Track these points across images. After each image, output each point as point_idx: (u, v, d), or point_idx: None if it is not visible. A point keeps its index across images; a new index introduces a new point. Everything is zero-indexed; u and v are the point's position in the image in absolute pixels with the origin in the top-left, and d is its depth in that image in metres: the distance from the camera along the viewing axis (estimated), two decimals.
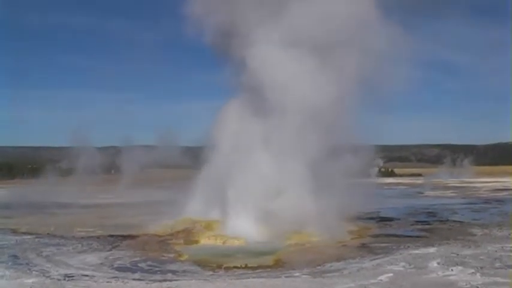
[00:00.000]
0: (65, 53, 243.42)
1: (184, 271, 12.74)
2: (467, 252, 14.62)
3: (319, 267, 12.92)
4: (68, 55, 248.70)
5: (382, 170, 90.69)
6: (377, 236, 18.45)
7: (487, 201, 34.13)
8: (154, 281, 11.46)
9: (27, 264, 13.40)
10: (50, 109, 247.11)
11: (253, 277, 11.89)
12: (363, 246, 16.26)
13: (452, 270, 12.26)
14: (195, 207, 20.58)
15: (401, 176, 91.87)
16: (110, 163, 56.87)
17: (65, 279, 11.57)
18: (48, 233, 19.16)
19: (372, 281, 11.21)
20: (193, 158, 24.12)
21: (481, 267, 12.42)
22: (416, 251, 14.89)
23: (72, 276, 11.87)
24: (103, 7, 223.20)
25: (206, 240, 17.18)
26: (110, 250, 15.66)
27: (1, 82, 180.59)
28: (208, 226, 18.65)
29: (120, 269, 12.99)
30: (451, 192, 44.40)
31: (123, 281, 11.39)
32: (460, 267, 12.48)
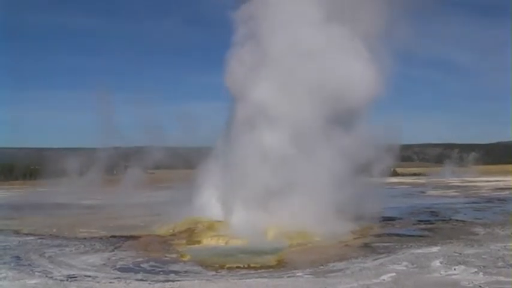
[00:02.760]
0: (69, 53, 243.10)
1: (186, 271, 12.75)
2: (470, 251, 14.61)
3: (321, 267, 12.92)
4: (71, 56, 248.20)
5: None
6: (379, 235, 18.44)
7: (489, 200, 34.07)
8: (157, 281, 11.48)
9: (29, 265, 13.43)
10: (53, 110, 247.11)
11: (256, 277, 11.90)
12: (366, 245, 16.25)
13: (455, 269, 12.25)
14: (197, 208, 20.58)
15: (403, 175, 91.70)
16: (113, 164, 56.84)
17: (67, 280, 11.60)
18: (50, 234, 19.19)
19: (375, 280, 11.22)
20: (197, 159, 24.12)
21: (484, 267, 12.42)
22: (419, 251, 14.89)
23: (75, 277, 11.90)
24: (106, 7, 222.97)
25: (208, 241, 17.16)
26: (113, 251, 15.68)
27: (3, 83, 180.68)
28: (211, 226, 18.65)
29: (122, 269, 13.01)
30: (454, 192, 44.31)
31: (125, 282, 11.40)
32: (462, 267, 12.48)
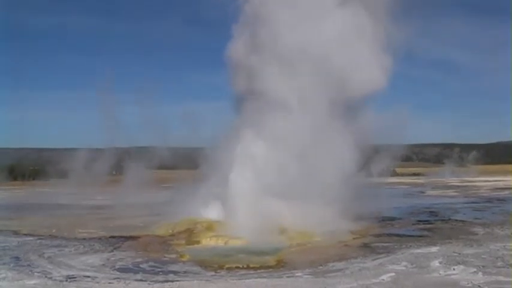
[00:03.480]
0: (68, 53, 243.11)
1: (186, 272, 12.74)
2: (469, 251, 14.61)
3: (321, 267, 12.92)
4: (70, 55, 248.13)
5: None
6: (379, 235, 18.43)
7: (488, 200, 34.10)
8: (156, 281, 11.47)
9: (29, 265, 13.42)
10: (52, 110, 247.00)
11: (255, 277, 11.89)
12: (365, 245, 16.25)
13: (454, 269, 12.26)
14: (196, 208, 20.56)
15: (403, 175, 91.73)
16: (112, 164, 56.84)
17: (67, 281, 11.59)
18: (50, 235, 19.16)
19: (374, 280, 11.22)
20: (196, 159, 24.11)
21: (483, 266, 12.42)
22: (418, 251, 14.89)
23: (74, 278, 11.89)
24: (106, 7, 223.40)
25: (208, 241, 17.14)
26: (112, 251, 15.66)
27: (3, 83, 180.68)
28: (210, 226, 18.64)
29: (122, 270, 13.00)
30: (453, 192, 44.34)
31: (125, 282, 11.39)
32: (462, 267, 12.48)
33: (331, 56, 19.49)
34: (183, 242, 17.29)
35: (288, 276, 11.88)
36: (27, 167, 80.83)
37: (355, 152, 20.18)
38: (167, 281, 11.47)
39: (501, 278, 11.21)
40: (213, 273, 12.59)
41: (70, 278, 11.83)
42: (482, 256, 13.77)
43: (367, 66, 19.79)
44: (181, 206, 21.04)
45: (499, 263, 12.82)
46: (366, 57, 19.86)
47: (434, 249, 15.09)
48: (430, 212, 26.66)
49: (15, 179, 72.29)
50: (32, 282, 11.50)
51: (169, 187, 36.02)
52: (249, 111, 20.27)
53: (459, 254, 14.16)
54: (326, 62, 19.51)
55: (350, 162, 19.93)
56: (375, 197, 28.86)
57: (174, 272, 12.66)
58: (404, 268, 12.54)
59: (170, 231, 19.07)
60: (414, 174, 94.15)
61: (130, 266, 13.51)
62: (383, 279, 11.31)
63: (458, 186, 51.85)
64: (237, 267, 13.21)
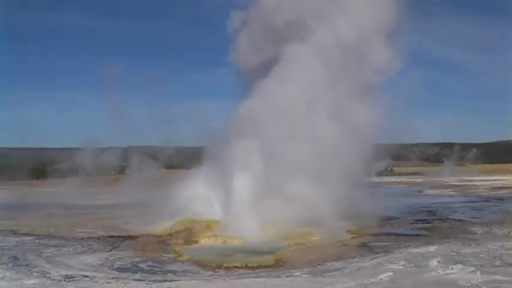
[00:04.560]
0: (67, 53, 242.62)
1: (184, 271, 12.76)
2: (468, 250, 14.63)
3: (319, 266, 12.93)
4: (70, 55, 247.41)
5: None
6: (377, 235, 18.44)
7: (487, 199, 34.07)
8: (155, 281, 11.47)
9: (27, 265, 13.42)
10: (50, 110, 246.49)
11: (254, 277, 11.90)
12: (363, 245, 16.26)
13: (452, 268, 12.27)
14: (195, 207, 20.54)
15: (401, 174, 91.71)
16: (111, 164, 56.83)
17: (65, 280, 11.59)
18: (48, 234, 19.16)
19: (372, 280, 11.23)
20: (197, 158, 24.09)
21: (481, 266, 12.43)
22: (417, 250, 14.90)
23: (73, 277, 11.90)
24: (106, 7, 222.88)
25: (206, 240, 17.16)
26: (110, 251, 15.67)
27: (3, 83, 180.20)
28: (208, 226, 18.65)
29: (120, 269, 13.01)
30: (451, 191, 44.26)
31: (123, 282, 11.40)
32: (460, 266, 12.50)
33: (356, 45, 19.70)
34: (182, 241, 17.30)
35: (286, 276, 11.90)
36: (27, 167, 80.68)
37: (372, 145, 20.34)
38: (166, 281, 11.48)
39: (499, 277, 11.22)
40: (211, 272, 12.60)
41: (68, 278, 11.83)
42: (481, 255, 13.79)
43: (384, 52, 20.01)
44: (180, 206, 21.00)
45: (497, 262, 12.84)
46: (383, 44, 20.10)
47: (432, 248, 15.10)
48: (429, 211, 26.65)
49: (14, 179, 72.14)
50: (31, 282, 11.51)
51: (170, 187, 35.85)
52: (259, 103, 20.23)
53: (457, 253, 14.18)
54: (350, 52, 19.70)
55: (367, 156, 20.07)
56: (373, 196, 28.84)
57: (173, 272, 12.66)
58: (402, 267, 12.56)
59: (169, 230, 19.08)
60: (412, 174, 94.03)
61: (129, 265, 13.52)
62: (381, 279, 11.33)
63: (456, 186, 51.77)
64: (236, 267, 13.23)
